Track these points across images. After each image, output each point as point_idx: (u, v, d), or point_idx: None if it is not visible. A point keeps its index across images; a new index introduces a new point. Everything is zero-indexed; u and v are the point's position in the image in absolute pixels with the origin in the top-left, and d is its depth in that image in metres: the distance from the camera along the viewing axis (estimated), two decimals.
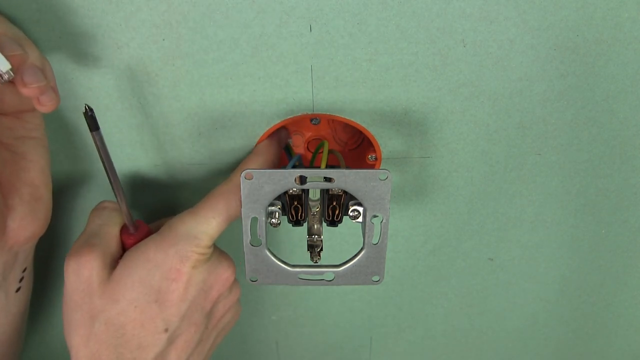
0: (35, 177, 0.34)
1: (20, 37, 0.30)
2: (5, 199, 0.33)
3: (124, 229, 0.36)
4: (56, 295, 0.48)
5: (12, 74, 0.28)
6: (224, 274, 0.36)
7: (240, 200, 0.33)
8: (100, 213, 0.36)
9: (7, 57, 0.28)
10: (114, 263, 0.34)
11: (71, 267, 0.33)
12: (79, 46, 0.34)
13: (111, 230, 0.35)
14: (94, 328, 0.33)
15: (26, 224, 0.34)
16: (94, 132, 0.31)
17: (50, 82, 0.30)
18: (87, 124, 0.30)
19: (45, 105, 0.29)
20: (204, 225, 0.34)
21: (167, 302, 0.34)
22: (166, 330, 0.34)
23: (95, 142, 0.31)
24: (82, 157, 0.39)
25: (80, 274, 0.33)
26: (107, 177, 0.33)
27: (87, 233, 0.35)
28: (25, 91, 0.28)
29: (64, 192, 0.41)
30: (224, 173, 0.40)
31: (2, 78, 0.28)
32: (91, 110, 0.30)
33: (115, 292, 0.33)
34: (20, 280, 0.37)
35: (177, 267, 0.33)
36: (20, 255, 0.36)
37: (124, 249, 0.36)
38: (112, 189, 0.34)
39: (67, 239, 0.44)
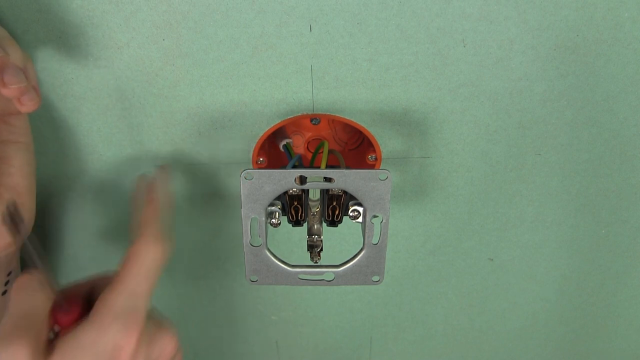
0: (18, 182, 0.33)
1: (2, 36, 0.30)
2: None
3: (55, 306, 0.33)
4: None
5: None
6: (168, 346, 0.34)
7: (155, 260, 0.33)
8: (26, 292, 0.32)
9: None
10: (47, 347, 0.31)
11: (0, 356, 0.30)
12: (79, 46, 0.34)
13: (40, 310, 0.32)
14: None
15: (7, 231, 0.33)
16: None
17: (31, 82, 0.29)
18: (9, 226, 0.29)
19: (26, 105, 0.29)
20: (135, 298, 0.32)
21: None
22: None
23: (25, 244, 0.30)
24: (72, 158, 0.39)
25: None
26: (33, 259, 0.31)
27: (15, 315, 0.31)
28: (6, 92, 0.28)
29: (53, 191, 0.41)
30: (224, 173, 0.40)
31: None
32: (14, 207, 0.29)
33: None
34: (6, 283, 0.36)
35: (120, 344, 0.31)
36: (3, 260, 0.35)
37: (58, 325, 0.33)
38: (38, 267, 0.32)
39: (57, 240, 0.44)
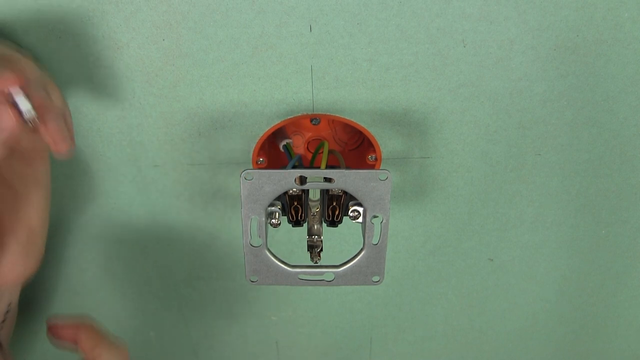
0: (34, 220, 0.34)
1: (45, 79, 0.30)
2: (1, 237, 0.32)
3: None
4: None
5: (37, 121, 0.28)
6: None
7: None
8: None
9: (33, 103, 0.28)
10: None
11: None
12: (79, 46, 0.34)
13: None
14: None
15: (17, 266, 0.33)
16: None
17: (69, 127, 0.30)
18: None
19: (62, 151, 0.30)
20: None
21: None
22: None
23: None
24: (72, 159, 0.39)
25: None
26: None
27: None
28: (47, 136, 0.29)
29: (53, 193, 0.41)
30: (223, 173, 0.40)
31: (26, 123, 0.28)
32: None
33: None
34: (6, 313, 0.37)
35: None
36: (7, 292, 0.35)
37: None
38: None
39: (57, 240, 0.44)
